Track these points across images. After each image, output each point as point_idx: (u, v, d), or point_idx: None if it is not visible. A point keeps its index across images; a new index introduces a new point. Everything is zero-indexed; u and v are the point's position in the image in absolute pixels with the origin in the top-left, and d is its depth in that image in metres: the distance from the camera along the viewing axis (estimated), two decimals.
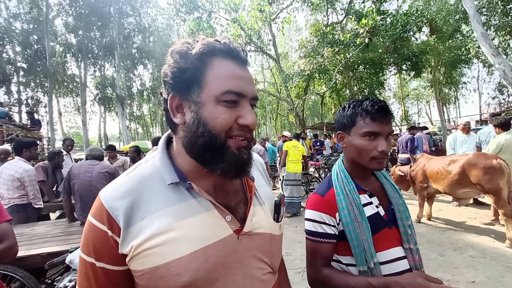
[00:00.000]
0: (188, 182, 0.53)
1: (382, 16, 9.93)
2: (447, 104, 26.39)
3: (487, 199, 3.40)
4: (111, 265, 0.49)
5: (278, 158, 5.54)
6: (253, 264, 0.57)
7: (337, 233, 0.86)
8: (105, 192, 0.52)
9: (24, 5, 15.88)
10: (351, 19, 10.57)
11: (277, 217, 0.64)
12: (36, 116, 13.42)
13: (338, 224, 0.86)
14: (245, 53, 0.56)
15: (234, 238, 0.54)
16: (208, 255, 0.51)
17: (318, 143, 11.04)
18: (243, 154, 0.52)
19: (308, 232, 0.89)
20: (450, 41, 15.15)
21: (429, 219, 4.15)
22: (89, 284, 0.50)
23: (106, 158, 5.21)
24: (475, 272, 2.57)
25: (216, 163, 0.51)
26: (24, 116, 15.48)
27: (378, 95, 16.28)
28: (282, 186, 5.25)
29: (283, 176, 5.22)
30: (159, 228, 0.49)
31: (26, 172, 2.96)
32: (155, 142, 4.51)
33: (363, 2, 11.11)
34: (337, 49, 10.51)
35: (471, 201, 4.74)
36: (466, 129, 4.67)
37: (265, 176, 0.74)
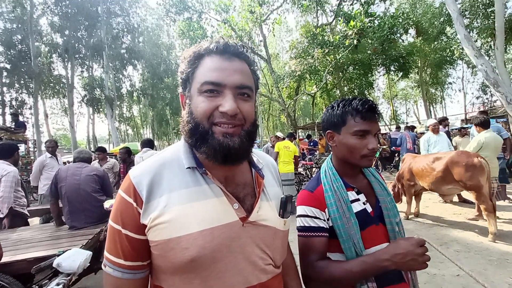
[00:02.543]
0: (203, 168, 0.59)
1: (370, 19, 10.12)
2: (433, 103, 27.13)
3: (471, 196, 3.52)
4: (134, 233, 0.56)
5: None
6: (255, 253, 0.60)
7: (328, 227, 0.86)
8: (134, 171, 0.60)
9: (7, 4, 15.34)
10: (340, 21, 10.74)
11: (282, 213, 0.67)
12: (21, 118, 12.99)
13: (327, 220, 0.87)
14: (236, 46, 0.60)
15: (239, 224, 0.59)
16: (214, 235, 0.56)
17: (311, 143, 11.16)
18: (228, 140, 0.55)
19: (301, 229, 0.88)
20: (435, 42, 15.65)
21: (417, 216, 4.27)
22: (116, 249, 0.57)
23: (96, 161, 5.12)
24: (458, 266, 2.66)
25: (201, 147, 0.57)
26: (8, 118, 14.95)
27: (368, 95, 16.61)
28: None
29: None
30: (174, 206, 0.55)
31: (6, 172, 2.85)
32: (144, 143, 4.45)
33: (351, 4, 11.30)
34: (327, 50, 10.65)
35: (456, 198, 4.91)
36: (436, 129, 4.70)
37: (276, 177, 0.77)
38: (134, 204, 0.56)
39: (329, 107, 0.97)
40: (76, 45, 16.28)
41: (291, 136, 5.88)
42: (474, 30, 13.12)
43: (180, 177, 0.58)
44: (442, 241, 3.28)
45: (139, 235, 0.56)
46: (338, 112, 0.91)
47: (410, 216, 4.24)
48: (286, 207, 0.68)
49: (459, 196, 4.89)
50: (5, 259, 1.87)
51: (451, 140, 5.44)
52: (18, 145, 5.09)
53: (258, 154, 0.75)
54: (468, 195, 4.19)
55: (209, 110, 0.55)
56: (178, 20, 12.47)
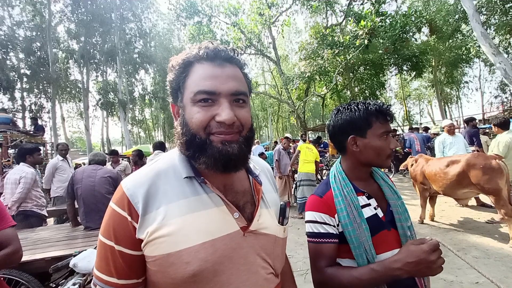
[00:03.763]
0: (201, 177, 0.57)
1: (381, 18, 9.92)
2: (449, 103, 26.30)
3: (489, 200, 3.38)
4: (129, 249, 0.53)
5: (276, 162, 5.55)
6: (257, 262, 0.59)
7: (338, 233, 0.85)
8: (127, 182, 0.56)
9: (27, 13, 16.11)
10: (350, 21, 10.60)
11: (282, 220, 0.66)
12: (39, 121, 13.55)
13: (337, 225, 0.86)
14: (227, 51, 0.58)
15: (240, 234, 0.57)
16: (216, 247, 0.53)
17: (322, 145, 11.05)
18: (227, 147, 0.54)
19: (310, 234, 0.88)
20: (450, 41, 15.18)
21: (432, 219, 4.13)
22: (107, 266, 0.53)
23: (109, 163, 5.28)
24: (478, 273, 2.55)
25: (199, 157, 0.55)
26: (28, 122, 15.64)
27: (380, 96, 16.27)
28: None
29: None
30: (173, 218, 0.52)
31: (24, 174, 2.97)
32: (156, 146, 4.54)
33: (362, 4, 11.14)
34: (337, 51, 10.51)
35: (474, 202, 4.72)
36: (452, 130, 4.54)
37: (272, 182, 0.76)
38: (129, 218, 0.52)
39: (347, 113, 0.93)
40: (91, 51, 16.89)
41: (316, 143, 5.81)
42: (492, 27, 12.66)
43: (177, 187, 0.56)
44: (460, 247, 3.16)
45: (134, 251, 0.53)
46: (362, 115, 0.89)
47: (424, 220, 4.11)
48: (285, 214, 0.67)
49: (477, 199, 4.70)
50: (24, 258, 1.94)
51: (480, 141, 5.13)
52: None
53: (253, 160, 0.74)
54: (486, 198, 4.03)
55: (205, 120, 0.54)
56: (189, 24, 12.66)
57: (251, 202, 0.64)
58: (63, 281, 1.68)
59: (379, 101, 0.91)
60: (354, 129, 0.91)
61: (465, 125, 5.62)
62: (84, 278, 1.44)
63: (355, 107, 0.91)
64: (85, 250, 1.59)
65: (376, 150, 0.88)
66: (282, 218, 0.67)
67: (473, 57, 16.59)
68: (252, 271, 0.58)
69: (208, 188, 0.57)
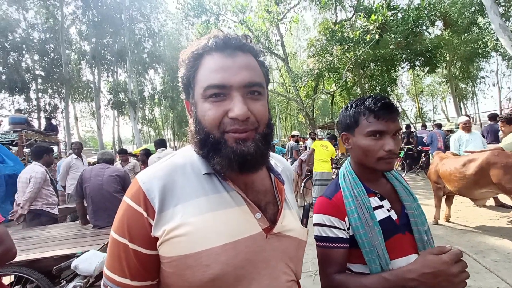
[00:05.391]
0: (222, 174, 0.54)
1: (392, 12, 9.64)
2: (464, 100, 25.44)
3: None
4: (143, 248, 0.49)
5: (289, 160, 5.52)
6: (279, 267, 0.56)
7: (348, 237, 0.81)
8: (143, 175, 0.52)
9: (40, 16, 16.59)
10: (360, 15, 10.36)
11: (306, 222, 0.64)
12: (54, 121, 13.96)
13: (348, 229, 0.82)
14: (238, 38, 0.53)
15: (263, 236, 0.54)
16: (238, 250, 0.50)
17: (336, 143, 10.87)
18: (242, 147, 0.49)
19: (318, 238, 0.84)
20: (465, 34, 14.64)
21: (447, 220, 3.97)
22: (120, 266, 0.49)
23: (118, 162, 5.37)
24: (498, 278, 2.42)
25: (213, 157, 0.51)
26: (43, 122, 16.13)
27: (391, 93, 15.90)
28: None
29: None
30: (192, 216, 0.49)
31: (34, 173, 3.01)
32: (158, 144, 4.57)
33: None
34: (346, 47, 10.32)
35: (492, 202, 4.51)
36: (467, 127, 4.33)
37: (291, 184, 0.74)
38: (145, 214, 0.48)
39: (343, 108, 0.93)
40: (102, 51, 17.25)
41: (333, 139, 5.48)
42: (511, 18, 12.08)
43: (196, 184, 0.52)
44: (478, 249, 3.01)
45: (149, 250, 0.49)
46: (350, 112, 0.87)
47: (439, 221, 3.95)
48: (308, 216, 0.64)
49: (496, 199, 4.49)
50: (33, 255, 1.98)
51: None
52: (51, 146, 5.46)
53: (275, 157, 0.70)
54: (506, 199, 3.83)
55: (218, 117, 0.50)
56: (196, 23, 12.71)
57: (273, 203, 0.60)
58: (64, 283, 1.67)
59: (378, 97, 0.83)
60: (345, 127, 0.90)
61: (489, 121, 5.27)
62: (86, 280, 1.43)
63: (351, 104, 0.89)
64: (87, 251, 1.58)
65: (362, 150, 0.83)
66: (306, 219, 0.64)
67: (490, 50, 15.91)
68: (273, 276, 0.54)
69: (228, 186, 0.54)
